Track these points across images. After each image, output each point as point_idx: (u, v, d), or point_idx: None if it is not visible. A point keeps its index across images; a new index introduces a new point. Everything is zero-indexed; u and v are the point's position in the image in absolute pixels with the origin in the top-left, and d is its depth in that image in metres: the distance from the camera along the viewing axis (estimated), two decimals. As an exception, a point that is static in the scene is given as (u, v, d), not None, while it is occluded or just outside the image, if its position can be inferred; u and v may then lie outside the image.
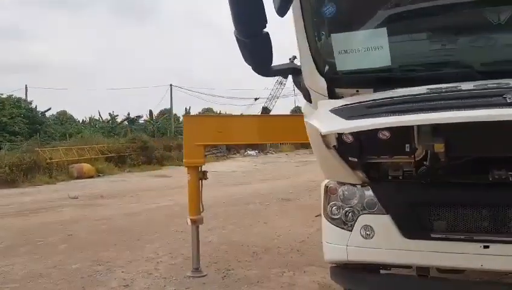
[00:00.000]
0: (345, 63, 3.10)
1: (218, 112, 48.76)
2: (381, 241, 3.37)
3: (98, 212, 11.57)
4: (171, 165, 29.51)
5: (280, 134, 5.98)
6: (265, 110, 54.28)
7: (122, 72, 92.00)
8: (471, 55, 3.14)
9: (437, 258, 3.26)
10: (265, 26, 3.13)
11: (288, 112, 55.08)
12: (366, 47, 3.01)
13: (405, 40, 3.21)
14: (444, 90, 2.72)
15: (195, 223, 5.88)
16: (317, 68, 3.15)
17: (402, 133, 3.03)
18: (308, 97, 3.27)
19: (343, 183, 3.50)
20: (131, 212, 11.43)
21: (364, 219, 3.39)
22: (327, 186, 3.57)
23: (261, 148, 40.20)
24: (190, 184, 5.90)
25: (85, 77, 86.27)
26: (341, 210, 3.47)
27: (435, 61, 3.20)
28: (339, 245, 3.47)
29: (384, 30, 2.97)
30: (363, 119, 2.62)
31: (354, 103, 2.88)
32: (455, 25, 3.19)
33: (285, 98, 51.88)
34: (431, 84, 2.85)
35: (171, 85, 48.57)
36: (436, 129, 3.00)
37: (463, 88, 2.72)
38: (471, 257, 3.18)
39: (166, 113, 51.72)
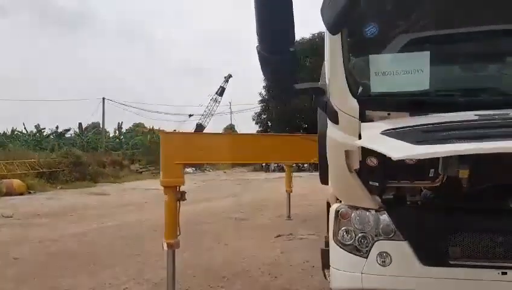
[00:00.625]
0: (380, 85, 3.02)
1: (150, 127, 47.78)
2: (400, 269, 3.28)
3: (39, 232, 10.72)
4: (106, 182, 28.47)
5: (269, 153, 5.84)
6: (200, 127, 54.02)
7: (46, 83, 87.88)
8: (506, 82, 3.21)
9: (456, 285, 3.24)
10: (294, 44, 3.02)
11: (221, 130, 55.05)
12: (405, 70, 2.95)
13: (445, 64, 3.22)
14: (497, 117, 2.72)
15: (172, 247, 5.51)
16: (350, 89, 3.05)
17: (429, 159, 3.02)
18: (334, 118, 3.15)
19: (357, 208, 3.39)
20: (76, 232, 10.72)
21: (380, 245, 3.29)
22: (338, 211, 3.43)
23: (198, 165, 39.65)
24: (167, 205, 5.55)
25: (7, 87, 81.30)
26: (354, 236, 3.35)
27: (475, 87, 3.22)
28: (352, 272, 3.33)
29: (426, 54, 2.93)
30: (437, 145, 2.53)
31: (407, 127, 2.80)
32: (496, 51, 3.24)
33: (219, 116, 51.66)
34: (469, 110, 2.85)
35: (103, 98, 47.05)
36: (464, 156, 3.01)
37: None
38: (489, 283, 3.19)
39: (96, 127, 49.92)
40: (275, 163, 35.18)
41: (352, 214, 3.36)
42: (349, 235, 3.35)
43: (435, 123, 2.76)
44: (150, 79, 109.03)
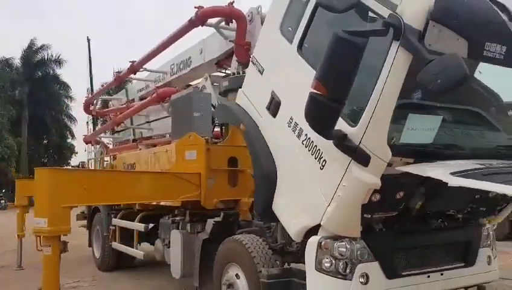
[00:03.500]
0: (411, 137, 3.68)
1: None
2: (375, 285, 3.96)
3: None
4: None
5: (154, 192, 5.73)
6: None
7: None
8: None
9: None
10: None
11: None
12: (429, 127, 3.71)
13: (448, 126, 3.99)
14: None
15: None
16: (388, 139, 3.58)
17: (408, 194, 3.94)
18: (365, 161, 3.58)
19: (335, 238, 3.93)
20: None
21: (361, 268, 3.91)
22: (320, 242, 3.95)
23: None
24: (49, 261, 4.90)
25: None
26: (338, 262, 3.88)
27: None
28: None
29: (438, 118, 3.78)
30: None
31: (468, 170, 3.48)
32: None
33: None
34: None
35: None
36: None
37: None
38: (434, 284, 4.25)
39: None
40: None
41: (335, 244, 3.91)
42: (333, 263, 3.89)
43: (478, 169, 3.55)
44: None
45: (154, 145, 9.07)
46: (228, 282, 4.97)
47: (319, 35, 4.09)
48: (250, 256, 4.70)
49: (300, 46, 4.21)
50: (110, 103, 13.59)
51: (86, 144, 14.02)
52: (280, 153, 4.46)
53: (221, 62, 8.02)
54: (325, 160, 3.87)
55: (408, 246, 4.31)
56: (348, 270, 3.90)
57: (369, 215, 3.93)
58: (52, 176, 5.06)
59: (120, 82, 10.67)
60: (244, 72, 6.77)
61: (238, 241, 4.96)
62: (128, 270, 9.20)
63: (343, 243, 3.93)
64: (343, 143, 3.60)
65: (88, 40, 43.99)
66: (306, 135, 4.03)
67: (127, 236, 8.27)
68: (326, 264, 3.93)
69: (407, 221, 4.29)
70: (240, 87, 6.68)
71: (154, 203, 6.90)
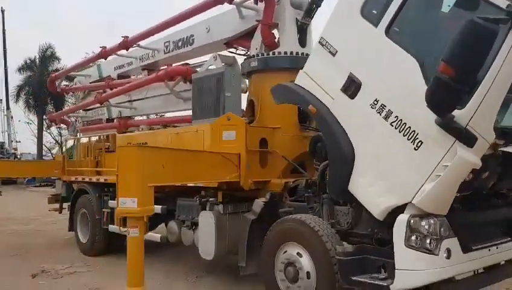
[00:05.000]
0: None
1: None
2: (455, 259, 4.25)
3: None
4: None
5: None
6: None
7: None
8: None
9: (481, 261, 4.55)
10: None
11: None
12: None
13: None
14: None
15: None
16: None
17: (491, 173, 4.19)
18: (471, 143, 3.80)
19: (423, 217, 4.15)
20: None
21: (445, 243, 4.19)
22: (409, 221, 4.14)
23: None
24: (135, 242, 4.66)
25: None
26: (425, 239, 4.12)
27: None
28: (425, 270, 4.11)
29: None
30: None
31: None
32: None
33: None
34: None
35: None
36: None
37: None
38: (493, 256, 4.68)
39: None
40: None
41: (423, 222, 4.13)
42: (421, 239, 4.12)
43: None
44: None
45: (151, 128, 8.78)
46: (288, 260, 5.02)
47: (414, 19, 4.24)
48: (317, 235, 4.78)
49: (388, 30, 4.32)
50: (75, 80, 12.71)
51: (51, 122, 13.10)
52: (359, 133, 4.55)
53: (233, 42, 7.90)
54: (420, 141, 4.02)
55: (477, 222, 4.69)
56: (434, 246, 4.14)
57: (458, 194, 4.17)
58: (140, 154, 4.83)
59: (106, 56, 10.07)
60: (268, 53, 6.78)
61: (301, 221, 5.02)
62: (117, 254, 8.89)
63: (431, 221, 4.15)
64: (450, 125, 3.79)
65: (2, 10, 40.72)
66: (397, 116, 4.17)
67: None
68: (414, 241, 4.13)
69: (478, 199, 4.62)
70: (269, 69, 6.75)
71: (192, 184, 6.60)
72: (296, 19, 6.80)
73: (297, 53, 6.65)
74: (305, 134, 6.66)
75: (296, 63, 6.63)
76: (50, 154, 38.37)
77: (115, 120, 10.63)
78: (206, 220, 6.28)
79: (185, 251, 8.13)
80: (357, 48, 4.59)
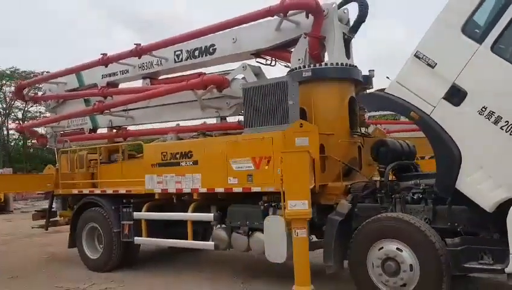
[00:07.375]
0: None
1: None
2: None
3: None
4: None
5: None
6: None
7: None
8: None
9: None
10: None
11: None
12: None
13: None
14: None
15: None
16: None
17: None
18: None
19: None
20: None
21: None
22: None
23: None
24: (303, 242, 5.37)
25: None
26: None
27: None
28: None
29: None
30: None
31: None
32: None
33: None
34: None
35: None
36: None
37: None
38: None
39: None
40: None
41: None
42: None
43: None
44: None
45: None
46: (387, 256, 5.41)
47: None
48: (419, 230, 5.24)
49: (493, 46, 4.97)
50: (45, 87, 11.78)
51: (20, 133, 12.00)
52: (466, 136, 5.13)
53: (263, 53, 8.14)
54: None
55: None
56: None
57: None
58: (308, 158, 5.42)
59: (107, 64, 9.55)
60: (315, 65, 7.14)
61: (402, 219, 5.44)
62: (131, 268, 8.61)
63: None
64: None
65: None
66: (507, 121, 4.85)
67: (154, 229, 8.01)
68: None
69: None
70: (321, 79, 7.15)
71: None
72: (343, 32, 7.26)
73: (346, 64, 7.11)
74: (354, 140, 7.16)
75: (347, 73, 7.15)
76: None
77: (112, 130, 10.26)
78: (275, 224, 6.42)
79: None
80: (460, 62, 5.17)
